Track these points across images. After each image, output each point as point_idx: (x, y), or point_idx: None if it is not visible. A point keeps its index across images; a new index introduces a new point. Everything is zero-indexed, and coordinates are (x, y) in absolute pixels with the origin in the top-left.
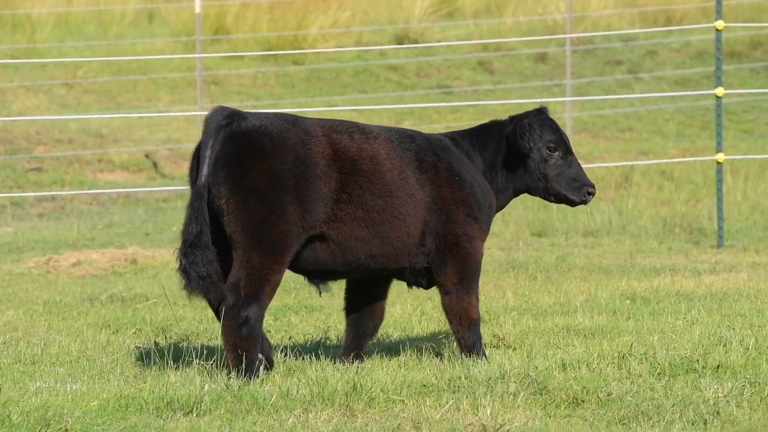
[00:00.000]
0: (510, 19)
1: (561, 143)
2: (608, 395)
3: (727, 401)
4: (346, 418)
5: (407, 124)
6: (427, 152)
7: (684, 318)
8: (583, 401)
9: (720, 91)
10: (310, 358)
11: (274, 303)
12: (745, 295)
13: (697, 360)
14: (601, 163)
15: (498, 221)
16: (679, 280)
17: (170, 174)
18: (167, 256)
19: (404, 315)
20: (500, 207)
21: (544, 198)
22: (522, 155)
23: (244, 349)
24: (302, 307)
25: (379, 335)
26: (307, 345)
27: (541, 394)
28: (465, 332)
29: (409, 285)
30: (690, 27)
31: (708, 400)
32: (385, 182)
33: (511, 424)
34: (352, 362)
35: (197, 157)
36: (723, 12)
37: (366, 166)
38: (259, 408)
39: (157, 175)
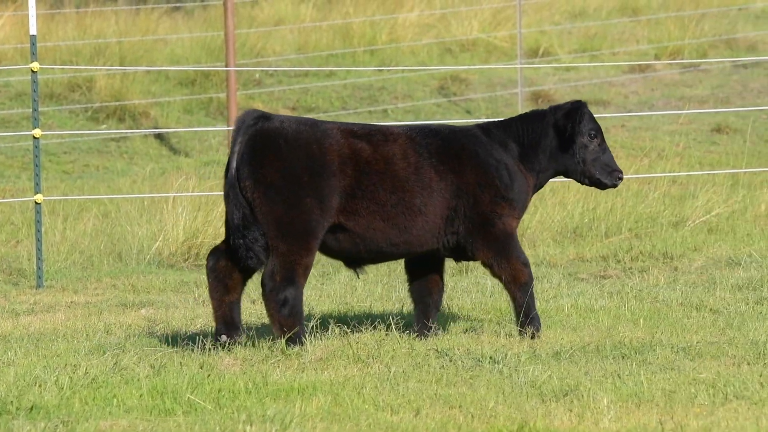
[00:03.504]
0: None
1: (599, 132)
2: None
3: None
4: None
5: None
6: (451, 144)
7: (1, 360)
8: None
9: (38, 132)
10: None
11: None
12: (62, 335)
13: (12, 401)
14: None
15: None
16: None
17: None
18: None
19: None
20: (540, 185)
21: (579, 180)
22: (568, 140)
23: (290, 326)
24: None
25: None
26: None
27: None
28: (517, 293)
29: (456, 260)
30: (8, 68)
31: None
32: (398, 179)
33: None
34: (425, 336)
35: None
36: (40, 54)
37: (379, 166)
38: None
39: None
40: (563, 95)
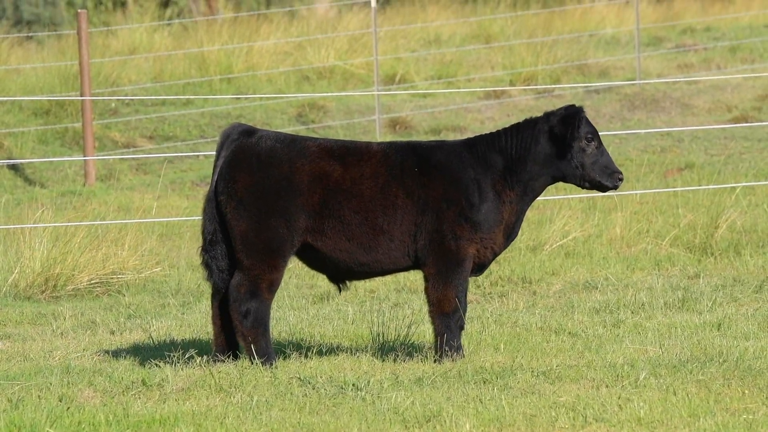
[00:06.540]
0: None
1: (596, 135)
2: None
3: None
4: None
5: None
6: (426, 160)
7: None
8: None
9: None
10: None
11: None
12: None
13: None
14: None
15: None
16: None
17: None
18: None
19: None
20: (535, 193)
21: (579, 185)
22: (564, 145)
23: (253, 337)
24: None
25: None
26: None
27: None
28: (436, 320)
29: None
30: None
31: None
32: (364, 199)
33: None
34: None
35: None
36: None
37: (346, 185)
38: None
39: None
40: (420, 121)
